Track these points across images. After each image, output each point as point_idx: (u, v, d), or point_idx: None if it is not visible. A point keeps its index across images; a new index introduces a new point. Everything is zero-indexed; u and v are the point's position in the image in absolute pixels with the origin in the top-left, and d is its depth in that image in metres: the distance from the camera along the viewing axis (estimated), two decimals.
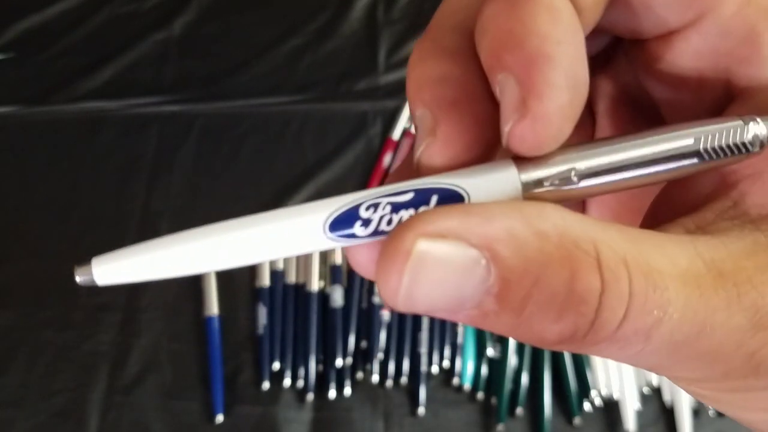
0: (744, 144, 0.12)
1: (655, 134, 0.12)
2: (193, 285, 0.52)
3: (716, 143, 0.12)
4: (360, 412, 0.48)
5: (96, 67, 0.63)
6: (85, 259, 0.12)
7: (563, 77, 0.11)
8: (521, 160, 0.12)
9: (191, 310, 0.52)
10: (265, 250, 0.12)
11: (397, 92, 0.61)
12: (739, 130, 0.12)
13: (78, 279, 0.12)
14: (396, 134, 0.58)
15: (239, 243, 0.12)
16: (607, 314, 0.11)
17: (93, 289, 0.53)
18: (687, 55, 0.14)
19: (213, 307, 0.51)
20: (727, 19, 0.13)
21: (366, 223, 0.12)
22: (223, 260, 0.12)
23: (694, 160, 0.12)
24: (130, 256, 0.13)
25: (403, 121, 0.59)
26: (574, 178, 0.12)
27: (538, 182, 0.12)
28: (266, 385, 0.49)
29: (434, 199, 0.12)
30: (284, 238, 0.12)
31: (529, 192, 0.12)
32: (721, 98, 0.14)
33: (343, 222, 0.12)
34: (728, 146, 0.12)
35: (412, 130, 0.59)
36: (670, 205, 0.14)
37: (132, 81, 0.63)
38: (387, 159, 0.57)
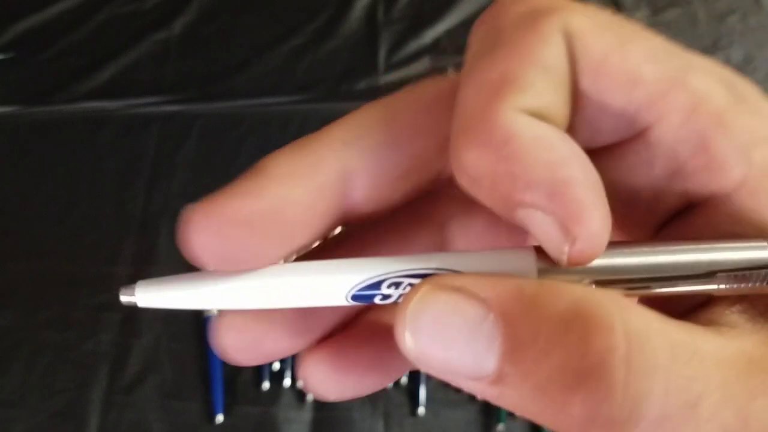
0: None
1: (677, 251, 0.12)
2: None
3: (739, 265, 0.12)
4: (360, 412, 0.48)
5: (96, 67, 0.63)
6: (130, 280, 0.14)
7: (589, 190, 0.11)
8: (541, 254, 0.12)
9: (191, 310, 0.52)
10: (291, 301, 0.13)
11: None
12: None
13: (122, 299, 0.14)
14: None
15: (271, 290, 0.13)
16: (638, 384, 0.10)
17: (93, 289, 0.53)
18: (638, 167, 0.13)
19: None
20: (675, 129, 0.12)
21: (385, 297, 0.13)
22: (255, 303, 0.13)
23: (716, 286, 0.12)
24: (173, 287, 0.14)
25: None
26: (591, 285, 0.12)
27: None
28: (266, 385, 0.49)
29: None
30: (310, 295, 0.13)
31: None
32: (677, 208, 0.14)
33: (365, 296, 0.13)
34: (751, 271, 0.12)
35: None
36: (678, 302, 0.13)
37: (132, 81, 0.63)
38: None
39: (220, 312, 0.13)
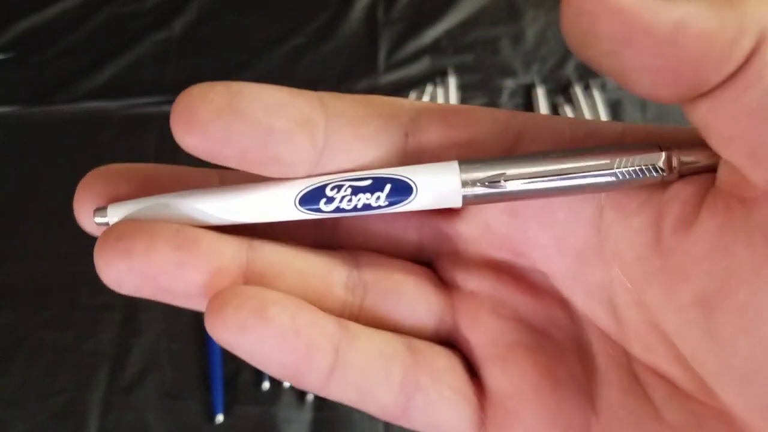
0: (655, 167, 0.14)
1: (580, 152, 0.14)
2: None
3: (630, 166, 0.14)
4: (360, 412, 0.48)
5: (96, 67, 0.63)
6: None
7: None
8: (465, 162, 0.14)
9: (191, 310, 0.51)
10: (245, 215, 0.14)
11: (397, 92, 0.61)
12: (654, 156, 0.14)
13: (96, 220, 0.15)
14: None
15: (226, 206, 0.14)
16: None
17: (93, 289, 0.53)
18: None
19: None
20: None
21: (330, 200, 0.14)
22: (211, 218, 0.15)
23: (611, 179, 0.14)
24: (140, 204, 0.15)
25: None
26: (503, 182, 0.14)
27: (474, 182, 0.14)
28: (266, 385, 0.49)
29: (388, 186, 0.14)
30: (262, 205, 0.14)
31: (467, 189, 0.14)
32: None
33: (311, 198, 0.14)
34: (641, 169, 0.14)
35: None
36: None
37: (132, 81, 0.63)
38: None
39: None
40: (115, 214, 0.15)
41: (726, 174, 0.13)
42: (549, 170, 0.14)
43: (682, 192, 0.14)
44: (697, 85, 0.12)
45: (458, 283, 0.16)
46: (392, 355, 0.14)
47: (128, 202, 0.15)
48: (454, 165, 0.14)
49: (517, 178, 0.14)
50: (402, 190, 0.14)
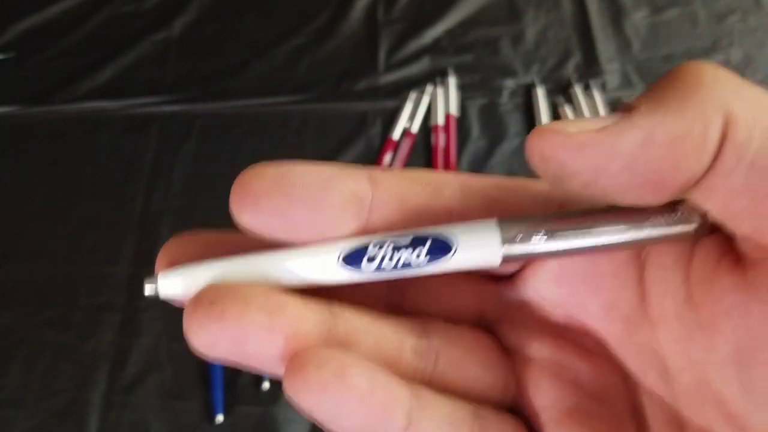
0: (688, 219, 0.14)
1: (615, 208, 0.14)
2: None
3: (666, 220, 0.14)
4: None
5: (96, 67, 0.63)
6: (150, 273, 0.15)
7: None
8: (504, 220, 0.14)
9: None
10: (292, 278, 0.14)
11: (397, 92, 0.61)
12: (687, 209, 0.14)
13: (146, 292, 0.15)
14: (396, 134, 0.58)
15: (274, 270, 0.14)
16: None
17: (93, 289, 0.53)
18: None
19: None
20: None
21: (371, 259, 0.14)
22: (261, 278, 0.14)
23: (648, 232, 0.14)
24: (188, 273, 0.15)
25: (403, 121, 0.59)
26: (541, 237, 0.14)
27: (513, 238, 0.14)
28: (266, 385, 0.49)
29: (428, 243, 0.14)
30: (306, 268, 0.14)
31: (506, 246, 0.14)
32: None
33: (354, 257, 0.14)
34: (675, 221, 0.14)
35: (413, 129, 0.59)
36: None
37: (132, 81, 0.63)
38: (387, 159, 0.57)
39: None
40: (164, 285, 0.15)
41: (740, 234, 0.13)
42: (586, 225, 0.14)
43: (708, 246, 0.14)
44: (681, 185, 0.12)
45: (518, 349, 0.16)
46: (461, 423, 0.14)
47: (175, 271, 0.15)
48: (493, 222, 0.14)
49: (556, 232, 0.14)
50: (441, 246, 0.14)
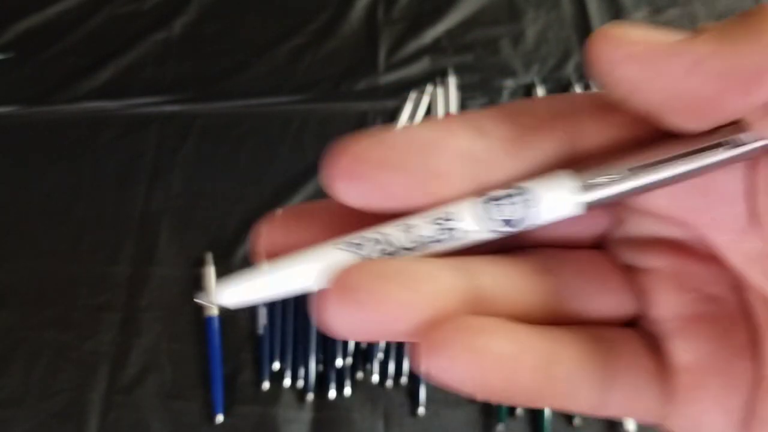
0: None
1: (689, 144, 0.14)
2: (193, 285, 0.52)
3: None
4: (360, 412, 0.48)
5: (96, 67, 0.63)
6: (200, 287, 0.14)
7: None
8: (582, 169, 0.14)
9: (191, 310, 0.52)
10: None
11: (397, 92, 0.61)
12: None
13: (203, 302, 0.14)
14: None
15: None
16: None
17: (93, 289, 0.53)
18: None
19: (213, 307, 0.51)
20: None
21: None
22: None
23: (719, 157, 0.14)
24: (251, 279, 0.14)
25: (403, 121, 0.59)
26: (624, 178, 0.14)
27: (593, 185, 0.14)
28: (266, 385, 0.49)
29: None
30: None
31: (588, 193, 0.14)
32: None
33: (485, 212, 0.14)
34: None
35: None
36: None
37: (132, 81, 0.63)
38: None
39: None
40: (223, 296, 0.15)
41: None
42: (664, 157, 0.14)
43: None
44: (724, 118, 0.12)
45: (635, 263, 0.16)
46: (590, 355, 0.15)
47: (237, 278, 0.15)
48: (568, 173, 0.14)
49: (636, 169, 0.14)
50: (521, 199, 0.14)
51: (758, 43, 0.12)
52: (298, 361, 0.49)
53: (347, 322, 0.13)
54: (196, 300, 0.15)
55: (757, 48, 0.12)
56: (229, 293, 0.14)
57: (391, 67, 0.62)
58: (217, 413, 0.48)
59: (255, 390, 0.49)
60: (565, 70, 0.62)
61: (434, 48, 0.63)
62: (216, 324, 0.51)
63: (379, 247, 0.14)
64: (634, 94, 0.12)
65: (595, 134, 0.15)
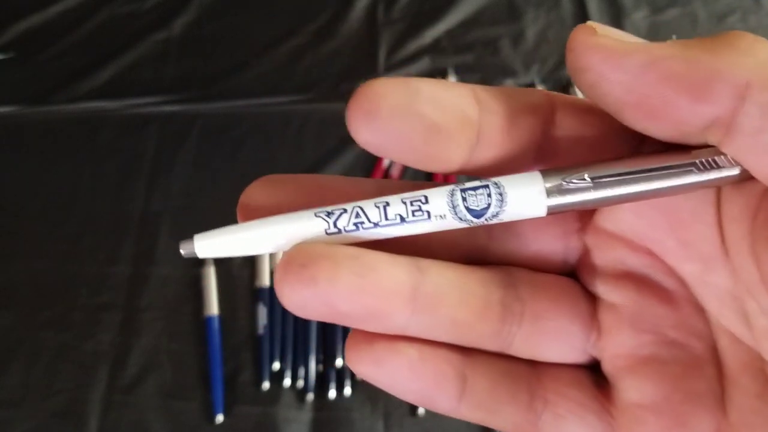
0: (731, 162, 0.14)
1: (659, 153, 0.14)
2: (193, 285, 0.52)
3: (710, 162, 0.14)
4: (360, 412, 0.48)
5: (96, 67, 0.63)
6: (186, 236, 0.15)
7: None
8: (548, 171, 0.14)
9: (191, 310, 0.52)
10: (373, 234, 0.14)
11: None
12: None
13: (182, 252, 0.15)
14: None
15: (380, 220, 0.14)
16: None
17: (93, 289, 0.53)
18: None
19: (213, 307, 0.51)
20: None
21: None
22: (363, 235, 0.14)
23: (690, 179, 0.14)
24: (228, 233, 0.15)
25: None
26: (585, 183, 0.14)
27: (557, 188, 0.14)
28: (266, 385, 0.49)
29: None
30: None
31: (552, 195, 0.14)
32: None
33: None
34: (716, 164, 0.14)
35: None
36: None
37: (132, 81, 0.63)
38: (387, 159, 0.57)
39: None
40: (201, 247, 0.15)
41: None
42: (632, 171, 0.14)
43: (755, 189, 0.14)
44: (681, 125, 0.13)
45: (600, 295, 0.16)
46: (517, 377, 0.15)
47: (214, 231, 0.15)
48: (537, 174, 0.14)
49: (601, 180, 0.14)
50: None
51: (715, 56, 0.12)
52: (298, 361, 0.49)
53: (295, 296, 0.13)
54: (180, 249, 0.15)
55: (713, 60, 0.12)
56: (205, 244, 0.15)
57: (391, 67, 0.62)
58: (217, 413, 0.48)
59: (255, 390, 0.49)
60: (565, 70, 0.61)
61: (434, 48, 0.63)
62: (216, 324, 0.51)
63: (354, 220, 0.14)
64: (595, 85, 0.13)
65: (567, 128, 0.15)
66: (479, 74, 0.62)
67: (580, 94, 0.59)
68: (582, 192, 0.14)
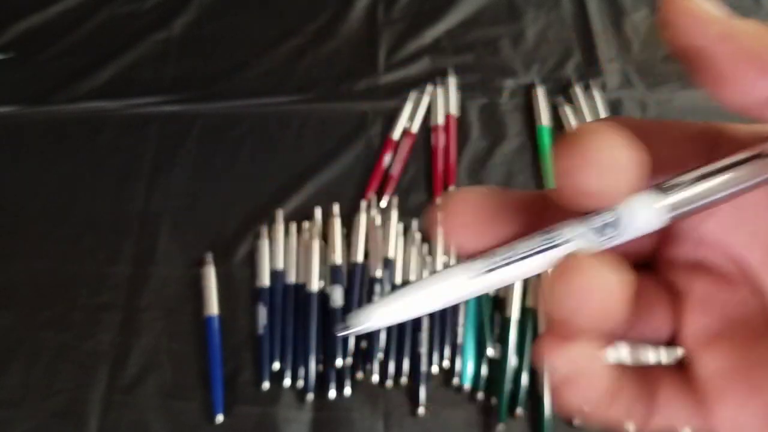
0: None
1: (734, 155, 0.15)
2: (193, 285, 0.52)
3: None
4: (360, 412, 0.48)
5: (96, 67, 0.63)
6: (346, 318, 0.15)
7: None
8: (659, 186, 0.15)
9: (191, 310, 0.52)
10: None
11: (397, 92, 0.61)
12: None
13: (353, 328, 0.15)
14: (396, 134, 0.58)
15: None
16: None
17: (93, 289, 0.53)
18: None
19: (213, 307, 0.51)
20: None
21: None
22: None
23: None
24: (397, 300, 0.15)
25: (403, 121, 0.59)
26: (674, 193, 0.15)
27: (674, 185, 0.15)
28: (266, 385, 0.49)
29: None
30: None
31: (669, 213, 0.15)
32: None
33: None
34: None
35: (413, 129, 0.59)
36: None
37: (132, 81, 0.63)
38: (387, 159, 0.57)
39: None
40: (371, 319, 0.15)
41: None
42: (714, 169, 0.15)
43: None
44: (744, 95, 0.14)
45: (675, 284, 0.18)
46: (626, 376, 0.16)
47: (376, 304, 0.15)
48: (651, 191, 0.15)
49: (687, 185, 0.15)
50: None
51: None
52: (298, 361, 0.49)
53: (567, 293, 0.14)
54: (344, 326, 0.15)
55: None
56: (377, 315, 0.15)
57: (391, 67, 0.62)
58: (217, 413, 0.48)
59: (255, 390, 0.49)
60: (565, 70, 0.62)
61: (434, 48, 0.63)
62: (216, 324, 0.51)
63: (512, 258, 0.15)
64: (677, 43, 0.14)
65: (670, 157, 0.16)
66: (479, 74, 0.62)
67: (579, 94, 0.59)
68: (693, 196, 0.15)
